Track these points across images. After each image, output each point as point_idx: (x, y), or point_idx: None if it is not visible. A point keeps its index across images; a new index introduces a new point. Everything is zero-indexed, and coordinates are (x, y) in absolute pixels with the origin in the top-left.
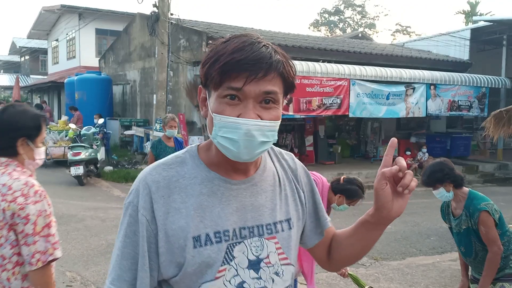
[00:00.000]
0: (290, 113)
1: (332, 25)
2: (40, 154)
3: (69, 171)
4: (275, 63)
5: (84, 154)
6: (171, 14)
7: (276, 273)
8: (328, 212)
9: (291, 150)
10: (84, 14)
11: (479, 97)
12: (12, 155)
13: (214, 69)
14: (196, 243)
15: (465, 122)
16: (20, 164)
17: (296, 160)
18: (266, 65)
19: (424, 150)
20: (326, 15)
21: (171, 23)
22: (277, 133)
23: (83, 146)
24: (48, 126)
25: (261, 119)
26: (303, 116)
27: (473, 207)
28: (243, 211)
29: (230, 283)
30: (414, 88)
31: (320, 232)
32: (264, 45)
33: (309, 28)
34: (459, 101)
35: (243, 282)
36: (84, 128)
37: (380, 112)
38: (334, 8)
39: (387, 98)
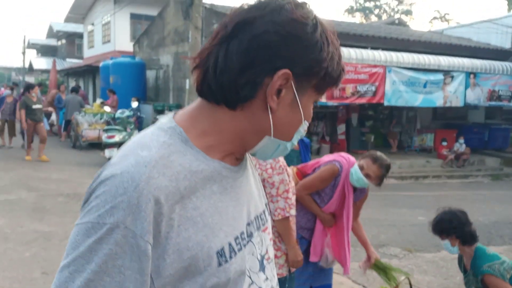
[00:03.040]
0: (323, 100)
1: (367, 11)
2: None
3: (103, 153)
4: None
5: (118, 137)
6: None
7: (273, 268)
8: (364, 193)
9: (323, 138)
10: None
11: None
12: None
13: (334, 66)
14: (221, 258)
15: (504, 113)
16: None
17: None
18: None
19: (461, 141)
20: (361, 1)
21: (205, 7)
22: None
23: (117, 129)
24: (83, 109)
25: None
26: (336, 104)
27: (476, 269)
28: (247, 203)
29: None
30: (452, 77)
31: None
32: None
33: (343, 14)
34: (500, 91)
35: None
36: (119, 111)
37: (417, 100)
38: None
39: (424, 86)
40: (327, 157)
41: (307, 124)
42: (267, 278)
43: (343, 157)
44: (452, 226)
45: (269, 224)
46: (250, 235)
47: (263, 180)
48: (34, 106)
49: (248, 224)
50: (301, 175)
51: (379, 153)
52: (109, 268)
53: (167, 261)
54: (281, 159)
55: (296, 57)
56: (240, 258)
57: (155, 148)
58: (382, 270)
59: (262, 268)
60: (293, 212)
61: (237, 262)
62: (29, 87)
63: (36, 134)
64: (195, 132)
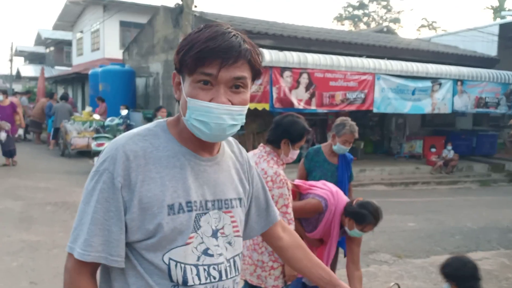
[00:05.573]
0: (313, 107)
1: (356, 19)
2: (293, 154)
3: (93, 161)
4: (244, 51)
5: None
6: (195, 7)
7: (229, 243)
8: (346, 234)
9: (313, 145)
10: (108, 6)
11: (507, 94)
12: (275, 147)
13: (188, 55)
14: (170, 211)
15: (491, 119)
16: (277, 156)
17: (244, 154)
18: (236, 52)
19: (450, 147)
20: (350, 9)
21: (195, 15)
22: (245, 117)
23: (107, 137)
24: (72, 117)
25: (232, 104)
26: (326, 111)
27: None
28: (208, 185)
29: (196, 249)
30: (440, 84)
31: (264, 226)
32: (234, 35)
33: (332, 22)
34: (486, 98)
35: (208, 248)
36: (108, 119)
37: (405, 107)
38: (359, 2)
39: (413, 94)
40: (320, 189)
41: (194, 100)
42: (218, 246)
43: (333, 194)
44: (457, 275)
45: (235, 211)
46: (206, 209)
47: None
48: None
49: (207, 201)
50: (295, 193)
51: (364, 209)
52: (100, 199)
53: (133, 202)
54: (282, 173)
55: (177, 64)
56: (188, 217)
57: (139, 130)
58: None
59: (215, 236)
60: (292, 227)
61: (184, 218)
62: (157, 109)
63: None
64: (173, 125)
